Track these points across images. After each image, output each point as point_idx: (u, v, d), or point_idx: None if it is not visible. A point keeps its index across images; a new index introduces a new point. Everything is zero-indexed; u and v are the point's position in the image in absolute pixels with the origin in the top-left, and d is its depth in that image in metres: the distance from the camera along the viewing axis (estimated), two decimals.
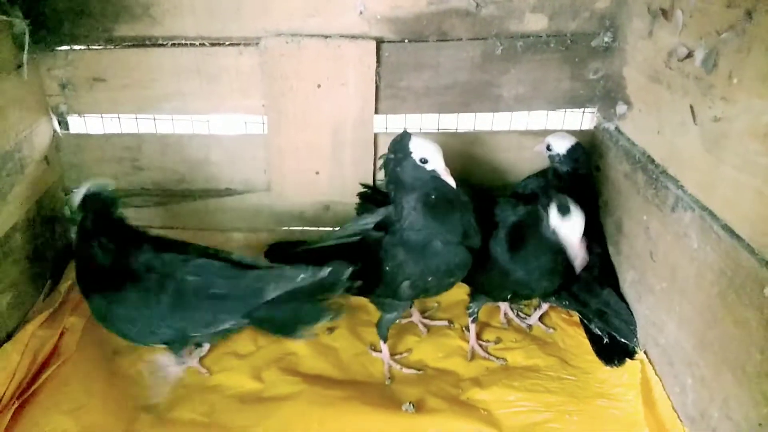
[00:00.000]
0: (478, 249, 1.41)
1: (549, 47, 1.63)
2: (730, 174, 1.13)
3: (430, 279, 1.39)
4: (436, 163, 1.29)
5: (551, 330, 1.71)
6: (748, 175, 1.08)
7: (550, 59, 1.65)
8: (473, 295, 1.60)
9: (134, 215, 1.80)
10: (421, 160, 1.29)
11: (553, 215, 1.31)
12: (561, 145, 1.59)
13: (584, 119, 1.78)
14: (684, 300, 1.28)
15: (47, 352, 1.51)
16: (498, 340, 1.65)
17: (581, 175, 1.63)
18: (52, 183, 1.75)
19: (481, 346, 1.61)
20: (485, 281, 1.51)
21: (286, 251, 1.66)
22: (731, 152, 1.12)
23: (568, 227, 1.30)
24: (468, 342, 1.64)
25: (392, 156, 1.34)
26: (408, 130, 1.34)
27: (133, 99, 1.69)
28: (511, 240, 1.43)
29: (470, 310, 1.60)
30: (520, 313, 1.75)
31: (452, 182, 1.30)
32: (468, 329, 1.64)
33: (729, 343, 1.13)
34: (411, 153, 1.29)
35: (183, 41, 1.61)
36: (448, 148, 1.71)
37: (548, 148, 1.62)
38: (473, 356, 1.59)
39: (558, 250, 1.35)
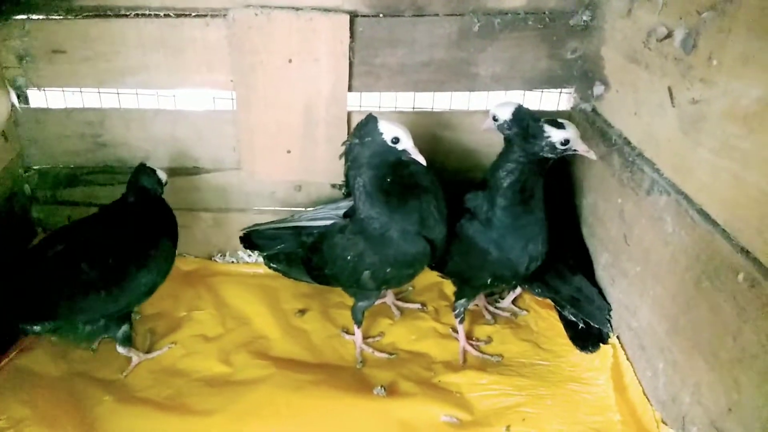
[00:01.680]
0: (442, 239, 1.38)
1: (527, 25, 1.59)
2: (707, 157, 1.11)
3: (388, 270, 1.37)
4: (407, 143, 1.28)
5: (524, 312, 1.70)
6: (725, 159, 1.06)
7: (527, 37, 1.61)
8: (457, 293, 1.57)
9: (98, 193, 1.75)
10: (392, 140, 1.27)
11: (553, 132, 1.31)
12: (504, 112, 1.50)
13: (561, 100, 1.75)
14: (657, 284, 1.27)
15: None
16: (489, 339, 1.61)
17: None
18: (11, 160, 1.67)
19: (472, 345, 1.57)
20: (465, 266, 1.48)
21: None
22: (709, 135, 1.10)
23: (572, 133, 1.32)
24: (450, 331, 1.62)
25: (357, 141, 1.31)
26: (373, 113, 1.32)
27: (95, 72, 1.61)
28: (485, 218, 1.42)
29: (456, 311, 1.56)
30: (496, 302, 1.74)
31: (423, 160, 1.29)
32: (456, 331, 1.59)
33: (702, 328, 1.12)
34: (382, 134, 1.27)
35: (147, 12, 1.54)
36: (422, 128, 1.71)
37: (494, 119, 1.53)
38: (465, 359, 1.55)
39: (524, 203, 1.36)
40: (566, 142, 1.31)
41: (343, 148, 1.35)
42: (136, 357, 1.49)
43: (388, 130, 1.27)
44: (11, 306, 1.31)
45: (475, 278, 1.49)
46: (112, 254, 1.37)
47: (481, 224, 1.42)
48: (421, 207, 1.34)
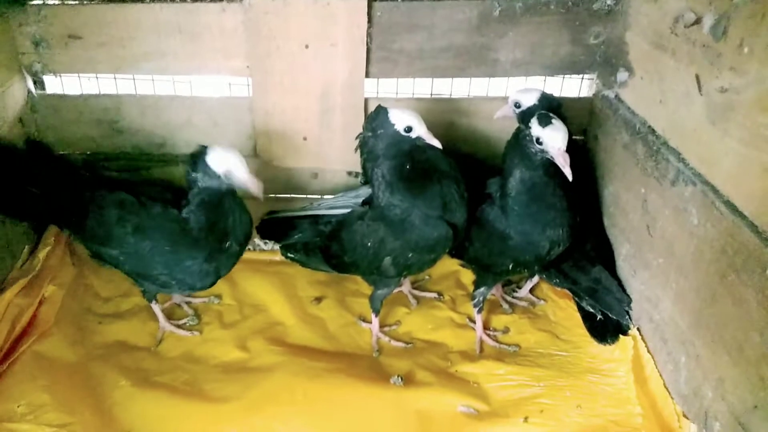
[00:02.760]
0: (463, 223, 1.37)
1: (549, 9, 1.55)
2: (735, 148, 1.07)
3: (410, 255, 1.36)
4: (421, 129, 1.28)
5: (542, 301, 1.69)
6: (754, 150, 1.03)
7: (549, 22, 1.57)
8: (477, 281, 1.55)
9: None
10: (405, 129, 1.27)
11: (535, 126, 1.27)
12: (529, 98, 1.49)
13: (583, 86, 1.71)
14: (681, 277, 1.25)
15: (25, 322, 1.47)
16: (506, 330, 1.60)
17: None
18: None
19: (489, 335, 1.56)
20: (485, 252, 1.46)
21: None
22: (738, 125, 1.07)
23: (549, 135, 1.25)
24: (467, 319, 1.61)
25: (370, 133, 1.31)
26: (382, 105, 1.31)
27: (111, 58, 1.60)
28: (502, 198, 1.39)
29: (475, 300, 1.54)
30: (514, 291, 1.72)
31: (438, 144, 1.29)
32: (473, 320, 1.58)
33: (727, 322, 1.09)
34: (394, 125, 1.27)
35: None
36: (439, 115, 1.68)
37: (517, 106, 1.51)
38: (482, 348, 1.54)
39: (547, 186, 1.32)
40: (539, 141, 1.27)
41: (357, 141, 1.34)
42: (162, 321, 1.54)
43: (399, 120, 1.27)
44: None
45: (495, 264, 1.47)
46: None
47: (500, 209, 1.40)
48: (442, 191, 1.33)
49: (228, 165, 1.28)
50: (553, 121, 1.26)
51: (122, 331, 1.55)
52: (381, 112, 1.29)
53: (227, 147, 1.32)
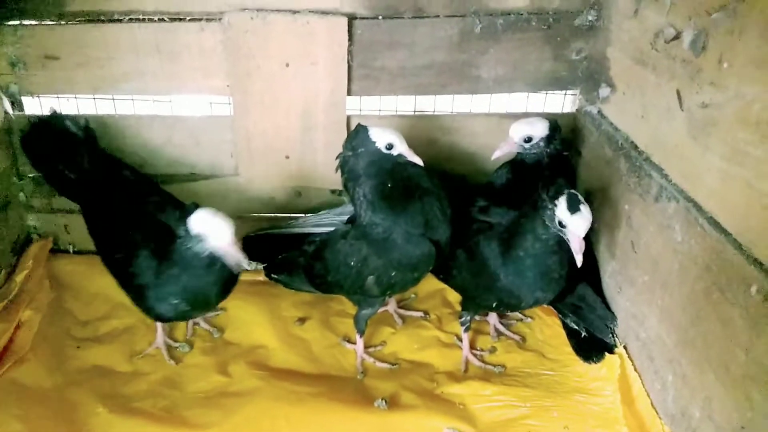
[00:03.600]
0: (446, 240, 1.35)
1: (530, 26, 1.55)
2: (717, 164, 1.06)
3: (393, 273, 1.34)
4: (402, 147, 1.27)
5: (529, 319, 1.66)
6: (736, 166, 1.01)
7: (531, 38, 1.57)
8: (464, 304, 1.53)
9: None
10: (386, 147, 1.26)
11: (562, 209, 1.19)
12: (540, 129, 1.48)
13: (566, 102, 1.71)
14: (666, 294, 1.23)
15: (0, 347, 1.43)
16: (493, 349, 1.56)
17: (560, 158, 1.56)
18: (5, 167, 1.65)
19: (475, 355, 1.53)
20: (472, 284, 1.45)
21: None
22: (719, 141, 1.06)
23: (575, 223, 1.19)
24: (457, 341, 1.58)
25: (350, 153, 1.30)
26: (362, 123, 1.30)
27: (89, 78, 1.58)
28: (504, 242, 1.34)
29: (462, 319, 1.52)
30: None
31: (419, 161, 1.28)
32: (460, 339, 1.55)
33: (712, 341, 1.08)
34: (375, 143, 1.26)
35: (140, 16, 1.51)
36: (421, 132, 1.67)
37: (527, 140, 1.49)
38: (467, 368, 1.51)
39: (554, 255, 1.27)
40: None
41: (338, 161, 1.33)
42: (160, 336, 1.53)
43: (380, 137, 1.26)
44: None
45: (480, 298, 1.46)
46: None
47: (499, 249, 1.35)
48: (424, 209, 1.32)
49: (209, 229, 1.23)
50: (581, 207, 1.18)
51: (100, 355, 1.52)
52: (361, 130, 1.28)
53: (215, 211, 1.25)
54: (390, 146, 1.26)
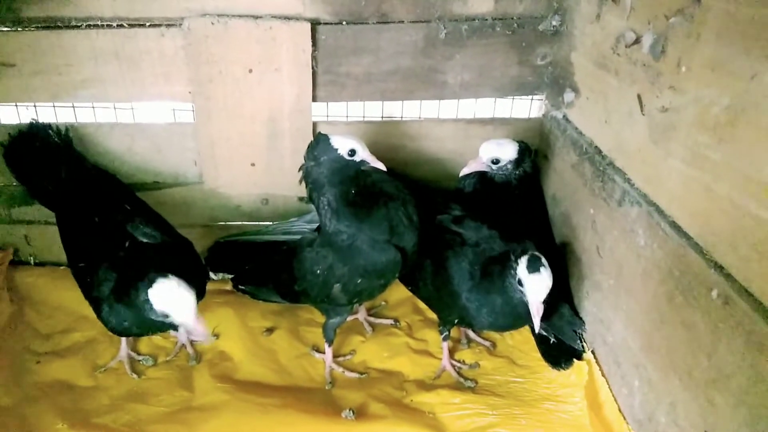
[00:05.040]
0: (413, 247, 1.34)
1: (495, 31, 1.55)
2: (678, 168, 1.06)
3: (359, 281, 1.32)
4: (364, 153, 1.26)
5: None
6: (696, 170, 1.01)
7: (496, 44, 1.56)
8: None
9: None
10: (349, 153, 1.25)
11: (522, 268, 1.22)
12: (508, 152, 1.50)
13: (532, 107, 1.71)
14: (631, 299, 1.23)
15: None
16: (475, 365, 1.53)
17: (528, 179, 1.59)
18: None
19: (453, 366, 1.51)
20: (435, 297, 1.44)
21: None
22: (679, 145, 1.06)
23: (532, 284, 1.21)
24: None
25: (312, 162, 1.28)
26: (322, 132, 1.30)
27: (47, 85, 1.54)
28: (476, 269, 1.34)
29: (440, 329, 1.51)
30: None
31: (382, 166, 1.28)
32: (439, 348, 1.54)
33: (676, 345, 1.07)
34: (337, 150, 1.25)
35: (99, 22, 1.47)
36: (389, 138, 1.66)
37: (494, 162, 1.52)
38: (440, 375, 1.50)
39: (516, 305, 1.27)
40: None
41: (301, 173, 1.32)
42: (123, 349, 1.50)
43: (342, 144, 1.25)
44: None
45: (442, 313, 1.46)
46: None
47: (469, 270, 1.35)
48: (389, 215, 1.30)
49: (171, 307, 1.20)
50: (542, 270, 1.21)
51: (61, 370, 1.47)
52: (322, 139, 1.27)
53: (177, 283, 1.20)
54: (352, 152, 1.25)
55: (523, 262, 1.22)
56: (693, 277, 1.02)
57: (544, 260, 1.22)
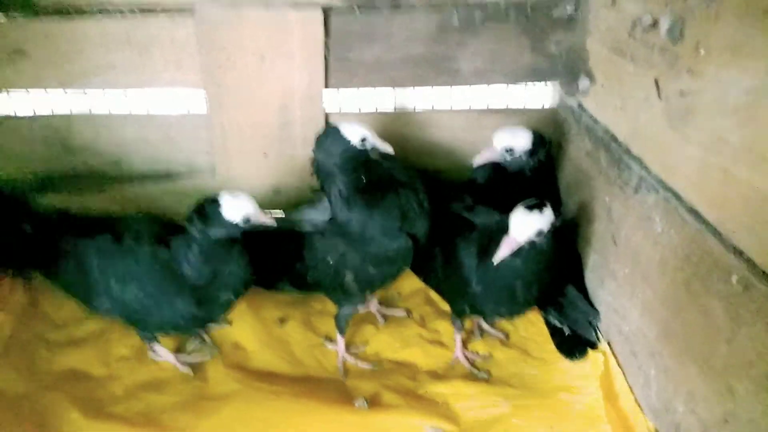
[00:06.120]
0: (424, 234, 1.33)
1: (508, 17, 1.53)
2: (696, 153, 1.05)
3: (371, 269, 1.32)
4: (374, 139, 1.27)
5: None
6: (715, 154, 1.00)
7: (509, 30, 1.55)
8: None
9: (68, 201, 1.68)
10: (360, 141, 1.26)
11: (519, 207, 1.21)
12: (522, 142, 1.47)
13: (546, 95, 1.68)
14: (647, 287, 1.21)
15: None
16: (489, 356, 1.52)
17: (543, 170, 1.56)
18: None
19: (467, 357, 1.50)
20: (446, 286, 1.43)
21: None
22: (698, 129, 1.04)
23: (514, 218, 1.19)
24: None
25: (323, 154, 1.29)
26: (330, 123, 1.33)
27: (59, 73, 1.54)
28: (483, 248, 1.31)
29: (453, 318, 1.49)
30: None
31: (390, 149, 1.29)
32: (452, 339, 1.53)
33: (694, 333, 1.06)
34: (348, 139, 1.26)
35: (110, 9, 1.47)
36: (401, 128, 1.65)
37: (508, 152, 1.48)
38: (453, 367, 1.48)
39: (529, 282, 1.26)
40: None
41: (312, 166, 1.33)
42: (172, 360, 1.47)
43: (352, 133, 1.26)
44: None
45: (454, 303, 1.45)
46: None
47: (476, 253, 1.33)
48: (399, 201, 1.30)
49: (245, 213, 1.26)
50: (529, 210, 1.19)
51: (75, 359, 1.47)
52: (331, 130, 1.28)
53: (234, 193, 1.28)
54: (364, 140, 1.25)
55: (519, 206, 1.20)
56: (712, 263, 1.00)
57: (544, 206, 1.19)
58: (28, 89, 1.59)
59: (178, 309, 1.31)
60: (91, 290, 1.36)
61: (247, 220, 1.26)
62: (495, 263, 1.20)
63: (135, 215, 1.64)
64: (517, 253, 1.21)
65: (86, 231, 1.40)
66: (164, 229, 1.37)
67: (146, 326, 1.40)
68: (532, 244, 1.20)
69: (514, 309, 1.36)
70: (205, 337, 1.55)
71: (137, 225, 1.41)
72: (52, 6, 1.46)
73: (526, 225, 1.18)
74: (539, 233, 1.19)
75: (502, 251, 1.18)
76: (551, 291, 1.38)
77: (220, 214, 1.24)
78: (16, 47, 1.50)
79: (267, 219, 1.29)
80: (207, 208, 1.25)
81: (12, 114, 1.61)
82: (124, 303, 1.34)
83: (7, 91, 1.59)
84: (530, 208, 1.19)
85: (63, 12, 1.47)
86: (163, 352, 1.47)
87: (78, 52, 1.51)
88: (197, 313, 1.32)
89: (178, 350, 1.52)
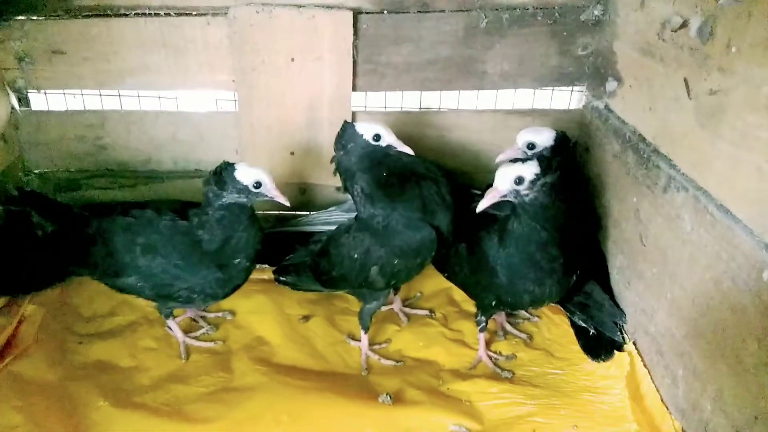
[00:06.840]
0: (447, 226, 1.34)
1: (536, 20, 1.55)
2: (726, 150, 1.05)
3: (396, 261, 1.33)
4: (390, 137, 1.30)
5: (537, 318, 1.63)
6: (746, 151, 1.00)
7: (537, 33, 1.56)
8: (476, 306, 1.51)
9: (100, 197, 1.72)
10: (374, 138, 1.29)
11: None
12: (545, 138, 1.44)
13: (572, 98, 1.69)
14: (675, 286, 1.21)
15: (3, 341, 1.42)
16: (512, 356, 1.51)
17: (567, 170, 1.54)
18: (11, 163, 1.65)
19: (490, 357, 1.50)
20: (472, 281, 1.43)
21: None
22: (728, 127, 1.04)
23: (500, 170, 1.21)
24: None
25: (342, 152, 1.32)
26: (347, 120, 1.33)
27: (95, 73, 1.59)
28: (500, 234, 1.32)
29: (477, 319, 1.49)
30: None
31: (409, 150, 1.30)
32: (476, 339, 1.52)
33: (724, 331, 1.05)
34: (362, 135, 1.29)
35: (146, 11, 1.51)
36: (427, 129, 1.66)
37: (530, 147, 1.46)
38: (476, 366, 1.48)
39: (545, 243, 1.25)
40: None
41: (333, 165, 1.36)
42: (180, 336, 1.52)
43: (366, 130, 1.29)
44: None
45: (480, 298, 1.44)
46: None
47: (498, 241, 1.33)
48: (421, 193, 1.32)
49: (257, 178, 1.30)
50: (514, 164, 1.21)
51: (103, 350, 1.50)
52: (347, 127, 1.31)
53: (249, 164, 1.33)
54: (377, 137, 1.28)
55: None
56: (743, 260, 1.00)
57: (528, 161, 1.21)
58: (65, 89, 1.64)
59: (203, 274, 1.35)
60: (119, 268, 1.38)
61: (257, 185, 1.29)
62: (476, 212, 1.23)
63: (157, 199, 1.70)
64: (515, 212, 1.25)
65: (110, 213, 1.44)
66: (183, 207, 1.42)
67: (177, 297, 1.41)
68: (519, 196, 1.21)
69: (542, 285, 1.31)
70: (202, 322, 1.60)
71: (158, 204, 1.45)
72: (90, 7, 1.51)
73: (506, 173, 1.20)
74: (519, 180, 1.19)
75: (484, 201, 1.21)
76: (579, 263, 1.35)
77: (233, 176, 1.29)
78: (55, 47, 1.55)
79: (279, 194, 1.32)
80: (223, 170, 1.30)
81: (49, 110, 1.66)
82: (152, 275, 1.36)
83: (45, 92, 1.64)
84: (513, 162, 1.22)
85: (101, 13, 1.52)
86: (175, 328, 1.51)
87: (115, 53, 1.56)
88: (221, 275, 1.36)
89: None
